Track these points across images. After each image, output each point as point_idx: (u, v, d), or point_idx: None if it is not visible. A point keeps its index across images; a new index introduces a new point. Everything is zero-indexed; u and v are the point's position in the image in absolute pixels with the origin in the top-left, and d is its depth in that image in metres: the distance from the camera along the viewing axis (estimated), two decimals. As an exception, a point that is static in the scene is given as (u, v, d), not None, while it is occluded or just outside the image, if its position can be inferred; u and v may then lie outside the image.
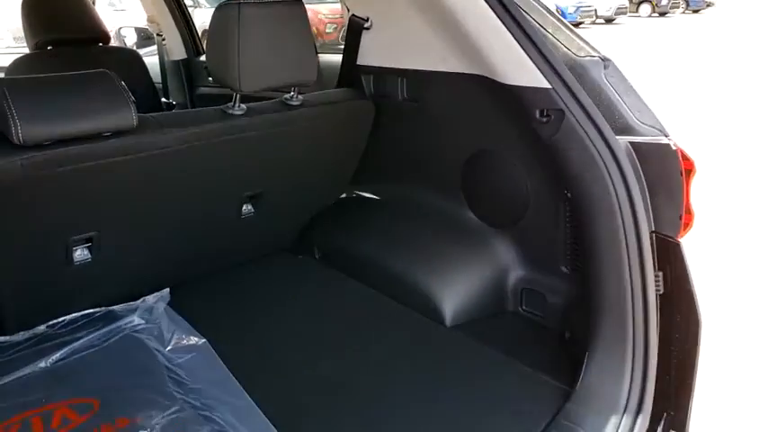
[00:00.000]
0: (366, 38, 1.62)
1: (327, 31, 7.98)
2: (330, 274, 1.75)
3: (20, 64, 2.09)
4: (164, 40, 2.61)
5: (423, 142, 1.65)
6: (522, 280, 1.52)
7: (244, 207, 1.61)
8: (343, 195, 1.92)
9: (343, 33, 1.72)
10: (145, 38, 3.08)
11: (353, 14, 1.63)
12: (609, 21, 20.06)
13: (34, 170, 1.14)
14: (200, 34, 2.75)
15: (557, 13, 1.30)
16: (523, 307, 1.52)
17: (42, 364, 1.32)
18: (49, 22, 2.13)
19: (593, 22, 19.08)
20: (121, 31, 3.11)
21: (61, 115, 1.14)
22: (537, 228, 1.46)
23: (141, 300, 1.53)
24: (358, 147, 1.71)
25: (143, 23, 3.35)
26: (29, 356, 1.34)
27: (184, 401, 1.21)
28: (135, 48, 2.93)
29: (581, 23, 17.79)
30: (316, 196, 1.82)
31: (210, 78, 2.52)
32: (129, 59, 2.31)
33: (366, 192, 1.87)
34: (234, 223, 1.62)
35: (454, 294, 1.52)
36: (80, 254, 1.40)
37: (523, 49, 1.16)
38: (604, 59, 1.21)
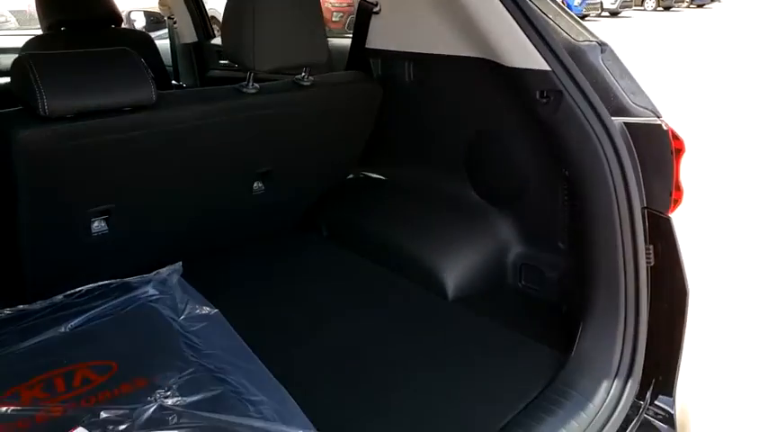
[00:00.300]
0: (375, 22, 1.68)
1: (334, 19, 8.02)
2: (336, 251, 1.81)
3: (34, 44, 2.15)
4: (175, 23, 2.67)
5: (428, 124, 1.71)
6: (522, 256, 1.58)
7: (255, 184, 1.67)
8: (351, 176, 1.98)
9: (349, 21, 1.78)
10: (154, 22, 3.13)
11: (362, -1, 1.69)
12: (614, 14, 20.10)
13: (58, 142, 1.20)
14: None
15: (559, 2, 1.36)
16: (522, 282, 1.58)
17: (62, 330, 1.38)
18: (63, 3, 2.18)
19: (599, 15, 19.09)
20: (131, 14, 3.15)
21: (84, 89, 1.20)
22: (536, 205, 1.52)
23: (155, 272, 1.59)
24: (365, 128, 1.77)
25: (148, 7, 3.40)
26: (48, 323, 1.40)
27: (199, 364, 1.28)
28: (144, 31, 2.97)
29: (587, 16, 17.79)
30: (324, 175, 1.88)
31: (221, 61, 2.58)
32: (140, 42, 2.36)
33: (373, 172, 1.93)
34: (245, 200, 1.68)
35: (456, 269, 1.58)
36: (97, 225, 1.46)
37: (525, 33, 1.22)
38: (602, 44, 1.26)
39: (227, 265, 1.70)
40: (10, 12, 7.84)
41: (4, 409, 1.12)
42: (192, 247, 1.67)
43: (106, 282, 1.55)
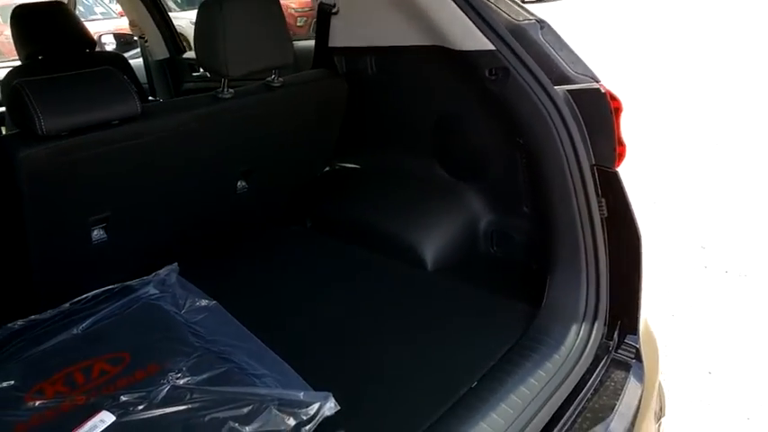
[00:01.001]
0: (335, 22, 1.80)
1: (298, 24, 8.14)
2: (321, 239, 1.93)
3: (15, 75, 2.24)
4: (146, 41, 2.77)
5: (394, 112, 1.83)
6: (492, 223, 1.71)
7: (238, 183, 1.78)
8: (327, 168, 2.10)
9: (313, 25, 1.90)
10: (125, 43, 3.22)
11: (321, 1, 1.80)
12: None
13: (56, 157, 1.31)
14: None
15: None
16: (494, 247, 1.71)
17: (74, 332, 1.47)
18: (39, 34, 2.28)
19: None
20: (102, 38, 3.25)
21: (76, 108, 1.31)
22: (500, 176, 1.65)
23: (154, 274, 1.69)
24: (336, 121, 1.89)
25: (118, 28, 3.48)
26: (60, 328, 1.49)
27: (204, 348, 1.39)
28: (116, 53, 3.06)
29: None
30: (302, 169, 1.99)
31: (194, 74, 2.69)
32: (115, 62, 2.47)
33: (348, 163, 2.05)
34: (231, 199, 1.79)
35: (433, 243, 1.71)
36: (97, 234, 1.56)
37: (468, 17, 1.34)
38: (540, 21, 1.40)
39: (220, 260, 1.81)
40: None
41: (30, 403, 1.22)
42: (187, 247, 1.78)
43: (109, 287, 1.66)
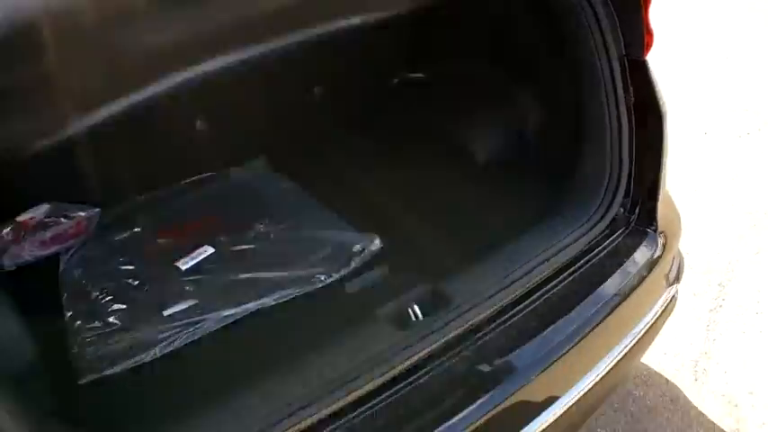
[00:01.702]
0: None
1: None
2: (384, 143, 2.17)
3: None
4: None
5: (453, 19, 1.99)
6: (540, 123, 1.87)
7: (315, 89, 2.06)
8: (396, 80, 2.31)
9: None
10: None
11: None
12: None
13: None
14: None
15: None
16: (541, 144, 1.87)
17: (185, 200, 1.84)
18: None
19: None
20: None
21: None
22: (548, 76, 1.80)
23: (246, 165, 2.04)
24: (401, 31, 2.09)
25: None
26: (175, 197, 1.87)
27: (284, 213, 1.71)
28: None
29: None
30: (371, 78, 2.22)
31: None
32: None
33: (412, 73, 2.26)
34: (309, 102, 2.06)
35: (484, 140, 1.91)
36: (200, 124, 1.90)
37: None
38: None
39: (301, 155, 2.10)
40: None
41: (156, 239, 1.61)
42: (273, 143, 2.09)
43: (212, 173, 2.02)
